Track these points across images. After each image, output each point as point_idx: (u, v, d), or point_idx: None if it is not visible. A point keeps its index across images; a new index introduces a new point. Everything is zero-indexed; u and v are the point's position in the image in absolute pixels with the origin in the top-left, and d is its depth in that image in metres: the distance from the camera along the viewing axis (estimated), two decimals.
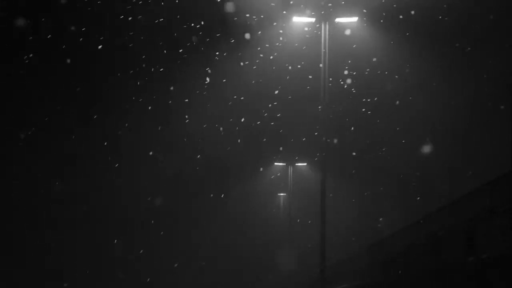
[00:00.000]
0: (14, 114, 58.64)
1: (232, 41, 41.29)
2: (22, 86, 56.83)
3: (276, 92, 46.47)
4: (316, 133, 31.75)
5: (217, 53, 43.23)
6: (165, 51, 48.37)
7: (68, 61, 50.78)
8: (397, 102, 46.07)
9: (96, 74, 53.69)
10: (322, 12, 29.84)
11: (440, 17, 40.85)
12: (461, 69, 45.33)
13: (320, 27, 29.90)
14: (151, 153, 56.90)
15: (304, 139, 51.61)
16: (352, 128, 49.13)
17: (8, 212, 61.66)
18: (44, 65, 55.53)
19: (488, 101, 44.19)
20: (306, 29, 30.54)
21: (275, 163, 55.49)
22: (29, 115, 58.37)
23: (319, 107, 30.28)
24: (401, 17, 37.14)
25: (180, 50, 44.59)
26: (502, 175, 22.16)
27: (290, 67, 41.10)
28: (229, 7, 37.74)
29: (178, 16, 43.24)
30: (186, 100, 50.88)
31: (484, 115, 45.44)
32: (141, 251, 62.98)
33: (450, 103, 46.01)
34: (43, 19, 50.37)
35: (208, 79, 46.98)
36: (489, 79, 43.74)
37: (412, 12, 37.77)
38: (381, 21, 32.36)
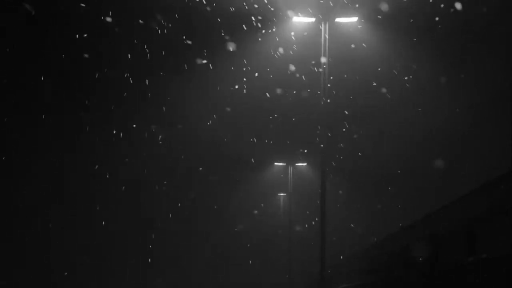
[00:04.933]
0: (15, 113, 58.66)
1: (231, 40, 41.30)
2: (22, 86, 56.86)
3: (278, 91, 46.50)
4: (316, 133, 31.74)
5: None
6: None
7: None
8: (398, 102, 46.10)
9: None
10: (322, 12, 29.84)
11: (440, 16, 40.87)
12: (462, 68, 45.35)
13: (320, 27, 29.91)
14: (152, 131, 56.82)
15: (304, 139, 51.63)
16: (352, 126, 49.18)
17: (8, 212, 61.74)
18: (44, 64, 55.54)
19: (488, 101, 44.21)
20: (306, 29, 30.54)
21: (275, 163, 55.47)
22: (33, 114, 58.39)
23: (319, 106, 30.28)
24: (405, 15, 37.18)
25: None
26: (502, 175, 22.15)
27: (289, 67, 41.09)
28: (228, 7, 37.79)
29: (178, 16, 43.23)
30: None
31: (484, 114, 45.46)
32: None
33: (451, 102, 46.04)
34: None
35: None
36: (489, 78, 43.77)
37: (413, 12, 37.78)
38: (380, 19, 32.37)
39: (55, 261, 62.63)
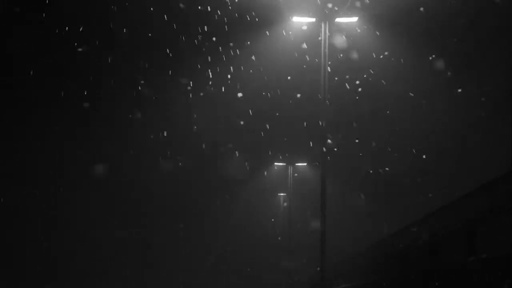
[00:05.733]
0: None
1: (231, 42, 41.34)
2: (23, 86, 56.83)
3: (277, 91, 46.50)
4: (316, 133, 31.72)
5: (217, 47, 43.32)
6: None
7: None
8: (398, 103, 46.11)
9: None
10: (323, 11, 29.83)
11: (442, 17, 40.86)
12: (463, 68, 45.34)
13: (320, 27, 29.89)
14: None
15: (304, 139, 51.60)
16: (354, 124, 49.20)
17: (9, 212, 61.71)
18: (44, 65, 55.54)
19: (488, 100, 44.19)
20: (305, 27, 30.51)
21: (275, 163, 55.41)
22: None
23: (319, 106, 30.26)
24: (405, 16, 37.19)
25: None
26: (502, 175, 22.10)
27: (289, 67, 41.08)
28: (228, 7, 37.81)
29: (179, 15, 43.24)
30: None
31: (484, 114, 45.44)
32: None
33: (451, 102, 46.02)
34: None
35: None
36: (489, 78, 43.75)
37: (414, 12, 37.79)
38: (382, 21, 32.36)
39: (55, 261, 62.62)
